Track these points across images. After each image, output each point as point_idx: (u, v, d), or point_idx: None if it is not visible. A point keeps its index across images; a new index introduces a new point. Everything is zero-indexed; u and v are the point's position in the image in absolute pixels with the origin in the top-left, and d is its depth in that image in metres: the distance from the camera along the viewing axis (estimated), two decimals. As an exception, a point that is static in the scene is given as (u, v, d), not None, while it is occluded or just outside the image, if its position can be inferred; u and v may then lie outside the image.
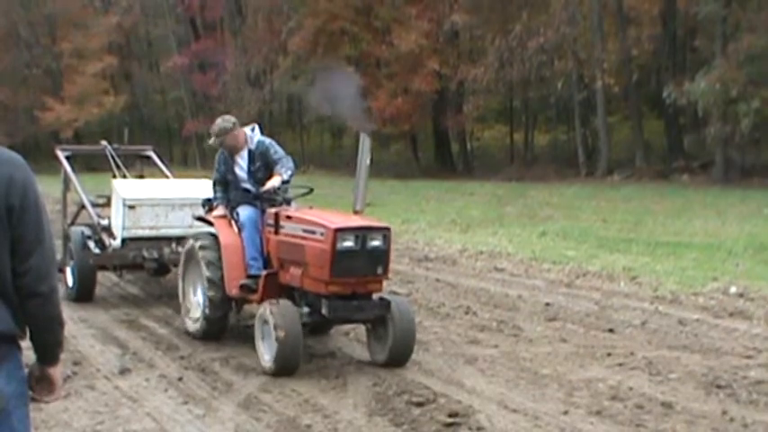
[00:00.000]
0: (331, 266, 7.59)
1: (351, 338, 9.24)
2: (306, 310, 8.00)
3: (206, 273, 8.79)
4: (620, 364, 8.18)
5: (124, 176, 12.33)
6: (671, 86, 30.26)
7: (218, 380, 7.77)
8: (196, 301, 9.21)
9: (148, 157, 13.85)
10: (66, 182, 12.67)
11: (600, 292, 11.83)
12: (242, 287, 8.52)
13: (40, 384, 3.30)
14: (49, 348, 3.27)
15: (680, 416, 6.70)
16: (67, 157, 12.80)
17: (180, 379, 7.79)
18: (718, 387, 7.43)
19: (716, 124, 29.70)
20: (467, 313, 10.55)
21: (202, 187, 10.93)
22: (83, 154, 14.98)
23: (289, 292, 8.30)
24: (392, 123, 39.14)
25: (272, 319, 7.58)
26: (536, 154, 42.46)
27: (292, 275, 8.11)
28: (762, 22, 28.87)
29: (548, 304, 11.02)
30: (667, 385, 7.53)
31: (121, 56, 58.00)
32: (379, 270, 7.81)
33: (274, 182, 8.72)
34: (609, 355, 8.51)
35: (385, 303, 7.92)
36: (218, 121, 9.26)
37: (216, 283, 8.73)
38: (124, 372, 7.99)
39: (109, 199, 11.71)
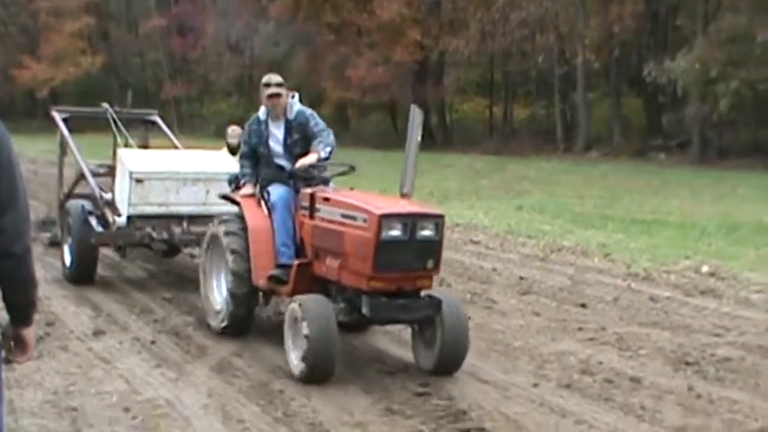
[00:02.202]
0: (374, 259, 6.55)
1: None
2: (343, 306, 6.99)
3: (231, 264, 7.74)
4: (591, 339, 8.27)
5: (127, 144, 11.34)
6: (651, 64, 30.30)
7: (192, 344, 7.81)
8: (218, 292, 8.16)
9: (153, 123, 12.68)
10: (63, 147, 11.65)
11: (574, 267, 11.92)
12: (271, 278, 7.49)
13: (13, 345, 3.30)
14: (23, 309, 3.26)
15: (648, 391, 6.79)
16: (65, 120, 11.64)
17: (153, 342, 7.82)
18: (687, 364, 7.53)
19: (694, 104, 29.83)
20: (441, 284, 10.61)
21: (218, 160, 10.35)
22: (81, 116, 13.61)
23: (324, 285, 7.25)
24: (372, 93, 39.06)
25: (302, 316, 6.58)
26: (515, 128, 42.49)
27: (328, 267, 7.07)
28: (744, 2, 28.92)
29: (522, 278, 11.10)
30: (636, 361, 7.62)
31: (99, 15, 57.40)
32: (430, 264, 6.75)
33: (309, 159, 7.64)
34: (580, 329, 8.60)
35: (435, 303, 6.85)
36: (267, 76, 8.11)
37: (241, 276, 7.67)
38: (97, 334, 7.99)
39: (110, 168, 10.80)
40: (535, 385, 6.82)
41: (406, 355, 7.49)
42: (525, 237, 14.35)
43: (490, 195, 21.00)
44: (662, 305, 9.76)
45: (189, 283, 10.13)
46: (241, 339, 7.89)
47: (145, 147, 11.98)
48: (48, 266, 10.93)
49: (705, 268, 11.49)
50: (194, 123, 47.12)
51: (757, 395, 6.77)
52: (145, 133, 12.75)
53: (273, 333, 7.89)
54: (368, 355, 7.46)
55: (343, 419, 5.94)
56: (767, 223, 16.18)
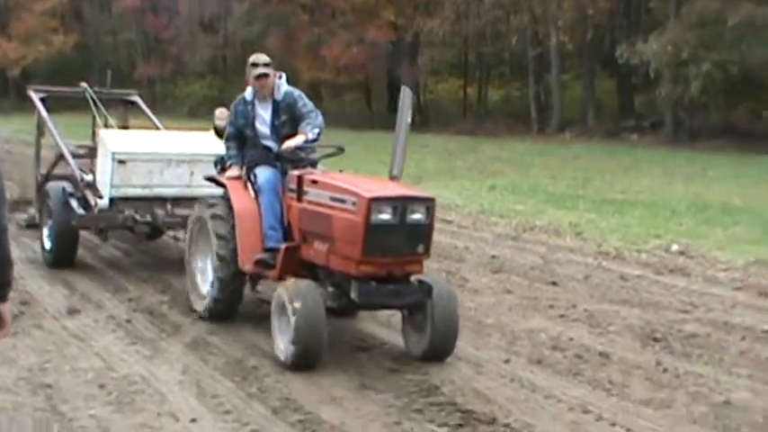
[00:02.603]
0: (363, 243, 6.41)
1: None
2: (331, 291, 6.85)
3: (217, 249, 7.56)
4: (562, 316, 8.40)
5: (106, 124, 11.06)
6: (624, 46, 30.47)
7: (167, 322, 7.87)
8: (204, 276, 7.99)
9: (133, 103, 12.31)
10: (40, 127, 11.37)
11: (545, 246, 12.05)
12: (258, 262, 7.33)
13: None
14: None
15: (616, 366, 6.93)
16: (42, 100, 11.31)
17: (128, 320, 7.88)
18: (655, 340, 7.67)
19: (666, 85, 30.03)
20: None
21: (202, 141, 10.12)
22: (59, 96, 13.16)
23: (312, 269, 7.10)
24: (346, 73, 39.03)
25: (290, 302, 6.43)
26: (489, 109, 42.56)
27: (316, 251, 6.92)
28: (716, -15, 29.10)
29: (494, 256, 11.22)
30: (606, 337, 7.76)
31: (72, -6, 56.90)
32: (420, 248, 6.62)
33: (296, 140, 7.49)
34: (551, 306, 8.73)
35: (425, 288, 6.74)
36: (255, 55, 7.92)
37: (227, 261, 7.51)
38: (72, 312, 8.03)
39: (90, 149, 10.60)
40: (506, 361, 6.95)
41: (380, 332, 7.59)
42: (498, 216, 14.47)
43: (464, 176, 21.10)
44: (632, 283, 9.90)
45: (164, 262, 10.17)
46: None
47: (125, 127, 11.68)
48: (23, 246, 10.93)
49: (675, 247, 11.66)
50: (167, 104, 46.86)
51: (722, 370, 6.93)
52: (124, 113, 12.43)
53: (249, 311, 7.98)
54: (342, 331, 7.54)
55: (316, 395, 6.03)
56: (735, 204, 16.42)
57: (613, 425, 5.71)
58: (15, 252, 9.10)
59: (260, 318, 7.88)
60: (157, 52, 51.34)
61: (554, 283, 9.75)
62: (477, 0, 35.05)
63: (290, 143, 7.47)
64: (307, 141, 7.53)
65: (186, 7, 46.58)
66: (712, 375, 6.76)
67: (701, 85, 28.47)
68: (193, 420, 5.54)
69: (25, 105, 44.77)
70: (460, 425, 5.59)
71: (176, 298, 8.63)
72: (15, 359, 6.61)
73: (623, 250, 11.62)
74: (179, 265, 9.28)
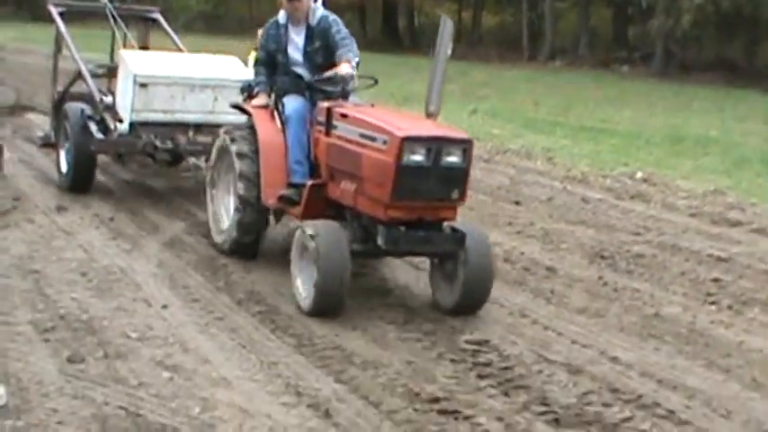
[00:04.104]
0: (393, 185, 5.97)
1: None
2: (357, 234, 6.51)
3: (240, 191, 7.19)
4: (519, 232, 8.95)
5: (125, 44, 10.57)
6: (618, -24, 30.62)
7: (147, 221, 8.47)
8: (226, 209, 7.59)
9: (154, 21, 11.60)
10: (59, 43, 10.87)
11: (515, 168, 12.55)
12: (281, 198, 6.94)
13: None
14: None
15: (560, 279, 7.52)
16: (61, 14, 10.73)
17: (111, 219, 8.46)
18: (602, 257, 8.23)
19: (659, 17, 30.23)
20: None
21: (227, 66, 9.74)
22: (79, 11, 12.52)
23: (338, 209, 6.73)
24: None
25: (313, 243, 6.06)
26: (482, 35, 42.67)
27: (343, 191, 6.51)
28: None
29: (464, 176, 11.69)
30: (556, 253, 8.32)
31: None
32: (455, 194, 6.21)
33: (345, 68, 6.93)
34: (510, 224, 9.27)
35: (459, 236, 6.30)
36: None
37: (251, 202, 7.14)
38: (60, 209, 8.57)
39: (110, 69, 10.23)
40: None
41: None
42: (474, 139, 14.89)
43: (450, 99, 21.25)
44: (592, 206, 10.43)
45: (149, 167, 10.61)
46: (192, 218, 8.56)
47: (145, 47, 11.14)
48: (14, 148, 11.40)
49: (639, 174, 12.15)
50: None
51: (659, 286, 7.50)
52: (145, 32, 11.68)
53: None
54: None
55: (278, 290, 6.64)
56: (712, 136, 16.85)
57: (546, 328, 6.30)
58: (6, 154, 9.72)
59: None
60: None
61: (517, 203, 10.28)
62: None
63: (338, 70, 6.93)
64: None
65: None
66: (648, 291, 7.34)
67: (692, 18, 28.68)
68: (164, 306, 6.15)
69: (22, 14, 44.97)
70: (406, 321, 6.19)
71: (157, 200, 9.21)
72: (7, 249, 7.20)
73: (589, 175, 12.10)
74: (164, 171, 9.83)
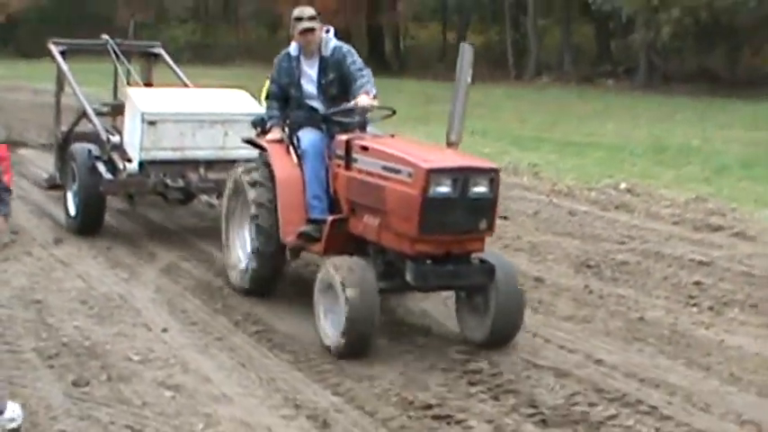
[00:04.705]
0: (420, 219, 5.78)
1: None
2: (382, 270, 6.26)
3: (257, 220, 6.95)
4: (506, 246, 9.18)
5: (128, 80, 10.43)
6: (597, -8, 30.97)
7: (143, 250, 8.71)
8: (242, 247, 7.34)
9: (157, 56, 11.41)
10: (60, 82, 10.70)
11: (503, 185, 12.65)
12: (301, 235, 6.70)
13: None
14: None
15: (547, 288, 7.76)
16: (62, 53, 10.56)
17: (108, 248, 8.69)
18: (588, 267, 8.48)
19: (640, 30, 30.61)
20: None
21: (237, 100, 9.51)
22: (81, 49, 12.27)
23: (360, 244, 6.48)
24: (326, 19, 39.30)
25: (340, 282, 5.84)
26: (468, 54, 42.98)
27: (366, 225, 6.29)
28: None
29: (452, 194, 11.94)
30: (543, 264, 8.57)
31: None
32: (483, 225, 5.98)
33: (364, 99, 6.72)
34: (499, 238, 9.44)
35: (488, 268, 6.10)
36: (299, 9, 7.25)
37: (269, 233, 6.89)
38: (57, 242, 8.79)
39: (114, 107, 10.15)
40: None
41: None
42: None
43: (438, 120, 21.58)
44: (578, 218, 10.68)
45: (143, 198, 10.75)
46: (188, 245, 8.79)
47: (149, 84, 10.97)
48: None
49: (623, 185, 12.42)
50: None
51: (643, 292, 7.75)
52: (148, 67, 11.48)
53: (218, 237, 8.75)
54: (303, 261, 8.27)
55: (273, 310, 6.90)
56: (694, 146, 17.16)
57: (535, 336, 6.54)
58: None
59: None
60: (140, -3, 51.40)
61: (505, 218, 10.48)
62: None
63: (358, 102, 6.72)
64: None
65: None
66: (633, 296, 7.59)
67: (672, 30, 29.05)
68: (164, 330, 6.37)
69: (8, 51, 45.26)
70: (398, 335, 6.44)
71: (153, 230, 9.44)
72: (8, 281, 7.44)
73: (575, 189, 12.36)
74: (158, 201, 10.03)
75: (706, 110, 23.87)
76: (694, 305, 7.36)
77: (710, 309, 7.26)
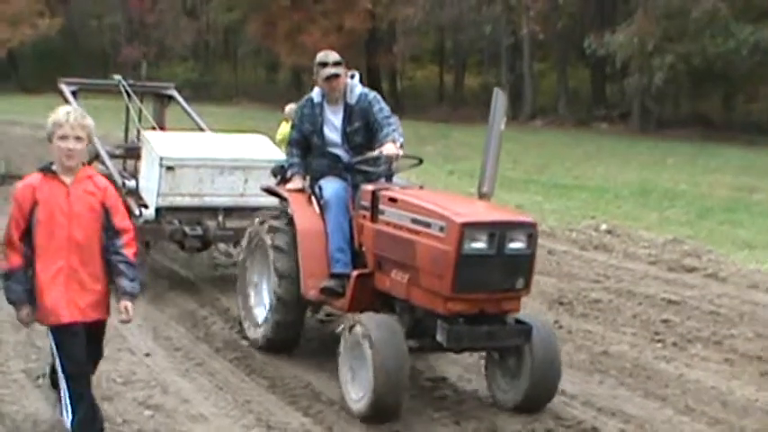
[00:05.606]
0: (454, 277, 5.43)
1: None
2: (411, 328, 5.92)
3: (277, 264, 6.63)
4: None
5: (139, 118, 10.25)
6: (592, 37, 31.51)
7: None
8: (261, 301, 7.04)
9: (170, 98, 11.13)
10: None
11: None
12: (324, 290, 6.37)
13: None
14: None
15: (519, 323, 8.03)
16: (73, 93, 10.37)
17: (98, 279, 8.95)
18: (560, 303, 8.79)
19: (634, 75, 31.12)
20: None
21: (257, 145, 9.27)
22: (92, 89, 12.04)
23: (387, 300, 6.17)
24: (326, 59, 39.90)
25: (367, 343, 5.53)
26: (465, 96, 43.61)
27: (394, 282, 5.94)
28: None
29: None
30: (518, 301, 8.85)
31: (58, -22, 57.48)
32: (520, 283, 5.64)
33: (390, 148, 6.41)
34: (477, 275, 9.79)
35: (525, 329, 5.74)
36: (323, 53, 6.91)
37: (290, 278, 6.56)
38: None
39: (127, 150, 9.98)
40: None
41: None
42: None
43: (430, 161, 21.75)
44: (557, 257, 10.99)
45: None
46: (175, 276, 9.08)
47: (161, 126, 10.67)
48: (4, 216, 11.89)
49: (604, 226, 12.74)
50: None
51: (612, 327, 8.07)
52: (161, 110, 11.17)
53: (207, 271, 9.07)
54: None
55: (254, 338, 7.17)
56: (680, 189, 17.57)
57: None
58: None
59: (218, 279, 8.99)
60: (141, 36, 52.13)
61: (485, 257, 10.81)
62: (452, -11, 36.01)
63: (387, 150, 6.42)
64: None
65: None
66: (600, 332, 7.90)
67: (665, 75, 29.57)
68: (147, 355, 6.68)
69: (9, 86, 45.78)
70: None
71: (140, 261, 9.69)
72: (1, 306, 7.67)
73: (557, 229, 12.69)
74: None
75: (698, 154, 24.29)
76: (659, 341, 7.66)
77: (674, 344, 7.57)
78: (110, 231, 4.70)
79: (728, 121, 32.21)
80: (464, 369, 6.72)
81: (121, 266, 4.71)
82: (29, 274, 4.63)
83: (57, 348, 4.70)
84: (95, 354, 4.98)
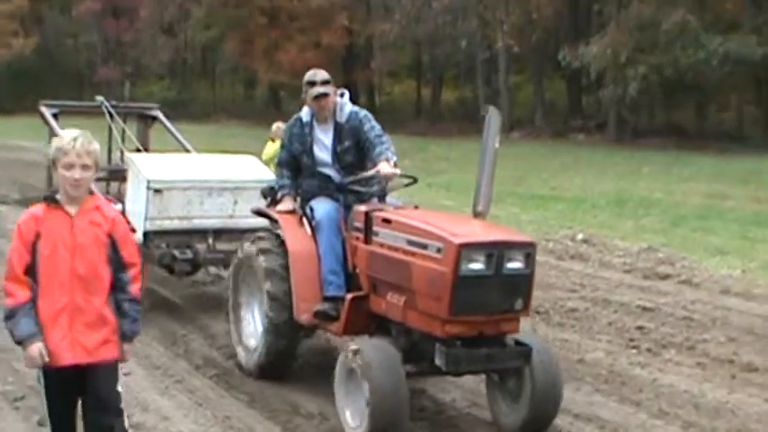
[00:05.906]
0: (451, 299, 5.30)
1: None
2: (407, 351, 5.76)
3: (269, 287, 6.47)
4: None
5: (122, 140, 10.15)
6: (566, 49, 31.77)
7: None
8: (252, 325, 6.89)
9: (154, 119, 11.03)
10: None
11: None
12: (317, 314, 6.23)
13: None
14: None
15: (496, 333, 8.13)
16: (54, 115, 10.28)
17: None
18: (537, 313, 8.88)
19: (608, 87, 31.40)
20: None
21: (246, 166, 9.12)
22: (73, 111, 11.75)
23: (382, 323, 6.05)
24: (302, 76, 40.11)
25: (362, 369, 5.40)
26: (442, 110, 43.85)
27: (390, 304, 5.81)
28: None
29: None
30: (495, 311, 8.95)
31: (32, -3, 57.33)
32: (519, 304, 5.53)
33: (385, 167, 6.24)
34: (454, 287, 9.89)
35: (525, 351, 5.63)
36: (311, 72, 6.79)
37: (282, 301, 6.42)
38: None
39: (111, 172, 9.85)
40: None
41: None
42: (427, 211, 15.63)
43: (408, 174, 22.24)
44: (534, 268, 11.07)
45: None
46: (155, 295, 9.13)
47: (145, 148, 10.48)
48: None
49: (580, 236, 12.88)
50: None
51: (587, 336, 8.20)
52: (145, 131, 11.00)
53: (187, 290, 9.12)
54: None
55: (233, 355, 7.19)
56: (655, 198, 17.75)
57: (478, 378, 6.88)
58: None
59: (197, 297, 9.04)
60: (117, 55, 52.17)
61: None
62: (428, 5, 36.21)
63: (383, 169, 6.24)
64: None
65: (146, 10, 47.55)
66: (576, 340, 8.02)
67: (638, 86, 29.84)
68: (127, 374, 6.66)
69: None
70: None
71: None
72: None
73: (534, 239, 12.76)
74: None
75: (672, 163, 24.49)
76: (634, 347, 7.79)
77: (649, 350, 7.70)
78: (116, 264, 4.41)
79: (701, 130, 32.54)
80: (443, 380, 6.75)
81: (126, 306, 4.45)
82: (38, 307, 4.25)
83: (45, 392, 4.42)
84: (109, 401, 4.55)
